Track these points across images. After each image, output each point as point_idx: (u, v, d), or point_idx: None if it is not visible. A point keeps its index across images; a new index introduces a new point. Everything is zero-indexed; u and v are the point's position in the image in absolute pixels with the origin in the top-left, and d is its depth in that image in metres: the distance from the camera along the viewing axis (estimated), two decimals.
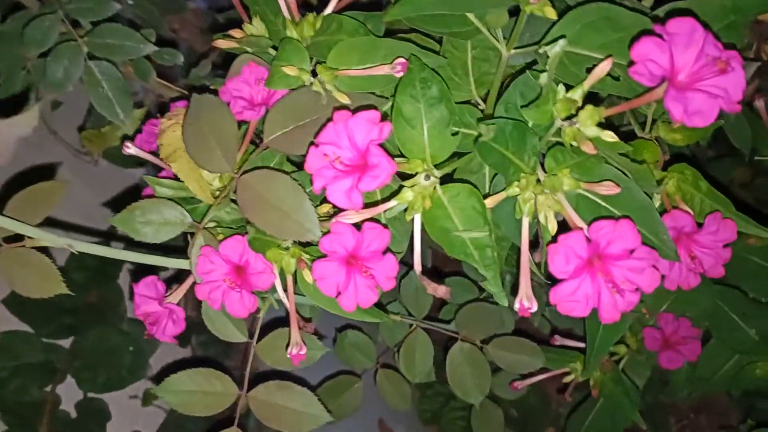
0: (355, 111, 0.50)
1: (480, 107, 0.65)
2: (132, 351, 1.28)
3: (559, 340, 0.97)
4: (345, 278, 0.55)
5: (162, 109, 1.00)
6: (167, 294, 0.64)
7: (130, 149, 0.68)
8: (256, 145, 0.68)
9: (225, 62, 0.68)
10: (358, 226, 0.55)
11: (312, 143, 0.50)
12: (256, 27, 0.65)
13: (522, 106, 0.53)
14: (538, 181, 0.53)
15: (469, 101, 0.65)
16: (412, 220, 0.55)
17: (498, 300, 0.52)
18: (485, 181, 0.64)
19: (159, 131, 0.67)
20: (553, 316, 1.11)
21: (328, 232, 0.56)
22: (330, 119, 0.53)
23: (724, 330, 0.88)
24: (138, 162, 1.13)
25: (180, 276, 0.68)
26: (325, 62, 0.60)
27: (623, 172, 0.53)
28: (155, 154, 0.71)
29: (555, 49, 0.48)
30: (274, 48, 0.64)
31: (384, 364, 1.05)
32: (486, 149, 0.51)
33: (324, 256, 0.58)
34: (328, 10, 0.64)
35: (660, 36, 0.43)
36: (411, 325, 0.95)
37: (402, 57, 0.56)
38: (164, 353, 1.32)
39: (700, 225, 0.54)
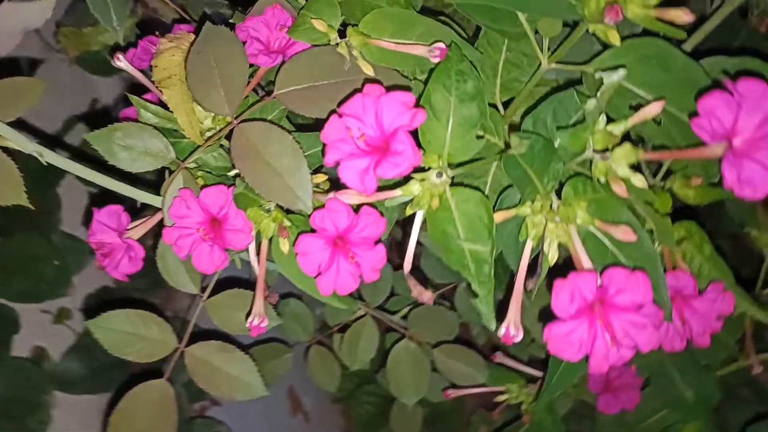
0: (388, 89, 0.46)
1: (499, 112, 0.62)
2: (57, 265, 1.20)
3: (499, 358, 0.95)
4: (328, 259, 0.52)
5: (155, 24, 0.93)
6: (129, 228, 0.59)
7: (121, 62, 0.62)
8: (257, 94, 0.64)
9: None
10: (354, 207, 0.51)
11: (334, 111, 0.46)
12: None
13: (558, 128, 0.50)
14: (551, 207, 0.51)
15: (490, 104, 0.62)
16: (412, 214, 0.51)
17: (486, 321, 0.49)
18: (485, 188, 0.62)
19: (156, 51, 0.61)
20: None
21: (321, 206, 0.52)
22: (357, 89, 0.49)
23: (663, 385, 0.88)
24: (113, 71, 1.06)
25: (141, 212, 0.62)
26: (356, 25, 0.56)
27: (635, 219, 0.51)
28: (145, 73, 0.65)
29: (612, 78, 0.45)
30: None
31: (319, 341, 1.02)
32: (512, 163, 0.48)
33: (310, 230, 0.54)
34: None
35: (730, 93, 0.41)
36: (360, 309, 0.92)
37: (441, 42, 0.53)
38: (91, 277, 1.25)
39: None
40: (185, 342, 0.67)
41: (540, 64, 0.56)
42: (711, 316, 0.52)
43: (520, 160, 0.48)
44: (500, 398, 0.94)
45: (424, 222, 0.51)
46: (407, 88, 0.47)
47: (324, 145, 0.46)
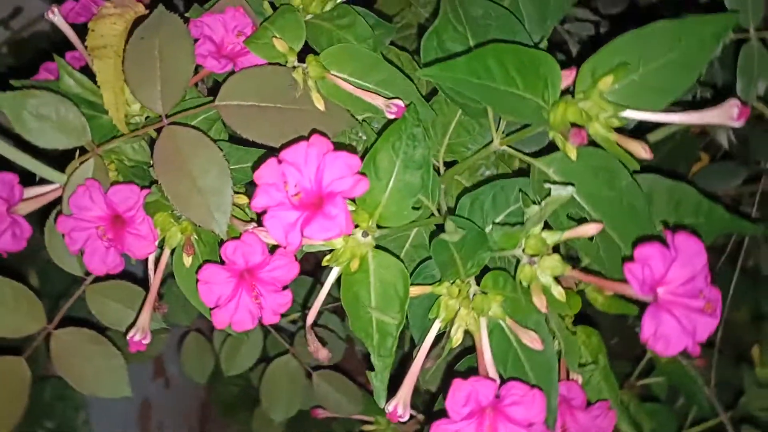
0: (335, 145, 0.43)
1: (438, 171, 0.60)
2: None
3: None
4: (231, 292, 0.49)
5: None
6: (17, 202, 0.53)
7: (55, 17, 0.56)
8: (196, 90, 0.60)
9: None
10: (270, 247, 0.49)
11: (274, 155, 0.43)
12: None
13: (494, 223, 0.49)
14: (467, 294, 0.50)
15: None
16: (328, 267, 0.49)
17: (376, 397, 0.48)
18: (406, 243, 0.60)
19: (98, 14, 0.56)
20: None
21: (236, 237, 0.49)
22: (305, 135, 0.46)
23: None
24: None
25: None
26: (317, 53, 0.53)
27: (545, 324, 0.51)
28: (79, 32, 0.60)
29: (560, 193, 0.44)
30: (272, 5, 0.55)
31: (199, 329, 0.98)
32: (441, 247, 0.47)
33: (217, 255, 0.51)
34: None
35: (666, 245, 0.41)
36: None
37: (399, 99, 0.50)
38: None
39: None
40: (55, 324, 0.62)
41: (491, 141, 0.55)
42: (590, 431, 0.53)
43: (450, 246, 0.46)
44: (367, 428, 0.94)
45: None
46: (354, 150, 0.45)
47: (255, 184, 0.43)
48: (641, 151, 0.44)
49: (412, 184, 0.49)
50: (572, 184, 0.45)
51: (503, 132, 0.54)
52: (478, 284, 0.50)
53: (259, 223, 0.51)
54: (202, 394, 1.71)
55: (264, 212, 0.42)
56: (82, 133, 0.52)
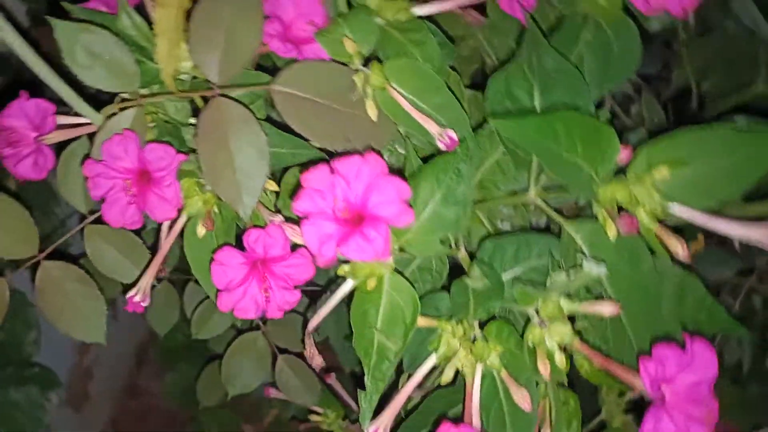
0: (391, 170, 0.43)
1: None
2: None
3: (331, 380, 0.95)
4: (241, 278, 0.48)
5: None
6: (48, 133, 0.52)
7: None
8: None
9: None
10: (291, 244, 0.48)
11: (327, 161, 0.42)
12: None
13: (515, 279, 0.50)
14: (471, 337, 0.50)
15: None
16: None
17: (362, 418, 0.48)
18: (411, 263, 0.60)
19: None
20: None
21: (257, 225, 0.49)
22: (350, 140, 0.46)
23: None
24: None
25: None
26: (381, 61, 0.52)
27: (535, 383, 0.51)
28: None
29: (593, 271, 0.45)
30: (348, 2, 0.54)
31: (171, 280, 0.97)
32: (461, 289, 0.47)
33: (229, 238, 0.51)
34: (425, 10, 0.56)
35: (683, 348, 0.41)
36: None
37: (454, 130, 0.50)
38: None
39: None
40: (45, 254, 0.60)
41: (525, 189, 0.55)
42: None
43: (469, 291, 0.47)
44: (314, 417, 0.94)
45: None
46: (402, 174, 0.45)
47: (300, 186, 0.43)
48: (679, 249, 0.44)
49: (446, 219, 0.48)
50: (604, 263, 0.45)
51: (541, 186, 0.54)
52: (481, 328, 0.51)
53: (287, 218, 0.51)
54: (145, 335, 1.70)
55: (304, 216, 0.42)
56: (133, 80, 0.50)
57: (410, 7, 0.55)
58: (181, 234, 0.53)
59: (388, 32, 0.53)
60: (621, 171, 0.47)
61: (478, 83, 0.74)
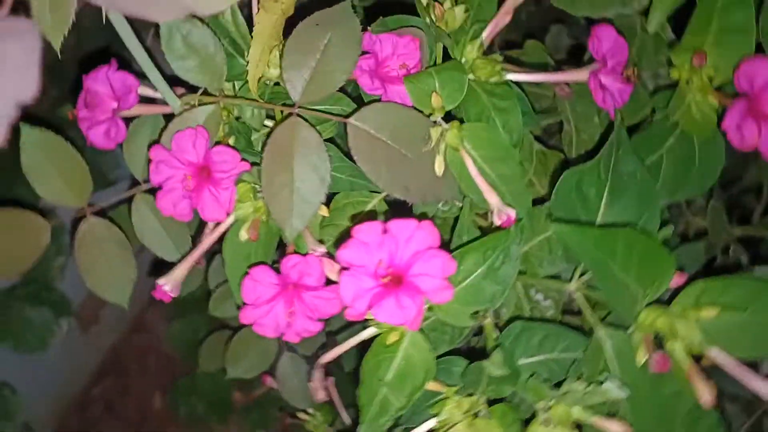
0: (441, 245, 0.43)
1: None
2: None
3: (329, 384, 0.96)
4: (270, 297, 0.49)
5: None
6: (128, 108, 0.53)
7: None
8: None
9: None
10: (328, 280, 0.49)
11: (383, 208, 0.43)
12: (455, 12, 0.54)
13: (534, 367, 0.49)
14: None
15: None
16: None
17: None
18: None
19: None
20: None
21: (298, 252, 0.49)
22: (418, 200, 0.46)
23: None
24: None
25: None
26: (462, 121, 0.52)
27: None
28: None
29: (613, 393, 0.44)
30: (445, 51, 0.54)
31: None
32: (477, 370, 0.47)
33: (268, 249, 0.51)
34: (518, 77, 0.55)
35: None
36: None
37: (513, 210, 0.50)
38: None
39: None
40: (93, 210, 0.62)
41: (569, 279, 0.55)
42: None
43: (484, 372, 0.47)
44: (302, 416, 0.95)
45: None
46: (450, 252, 0.44)
47: (350, 233, 0.43)
48: (706, 394, 0.43)
49: (483, 294, 0.48)
50: (626, 387, 0.45)
51: (584, 282, 0.54)
52: (489, 404, 0.51)
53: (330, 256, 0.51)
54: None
55: (346, 267, 0.42)
56: (219, 79, 0.51)
57: (504, 70, 0.54)
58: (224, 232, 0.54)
59: (475, 92, 0.53)
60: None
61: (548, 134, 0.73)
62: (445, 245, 0.47)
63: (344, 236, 0.44)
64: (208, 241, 0.53)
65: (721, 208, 0.75)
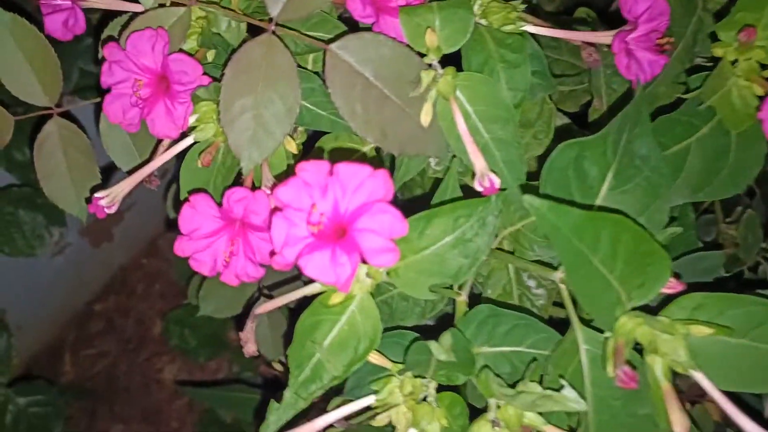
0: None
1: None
2: None
3: None
4: (208, 232, 0.44)
5: None
6: None
7: None
8: None
9: None
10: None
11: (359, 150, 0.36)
12: None
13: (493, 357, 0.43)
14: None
15: None
16: None
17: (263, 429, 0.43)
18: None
19: None
20: None
21: (254, 186, 0.44)
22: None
23: None
24: None
25: None
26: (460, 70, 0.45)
27: None
28: None
29: (569, 402, 0.38)
30: None
31: None
32: (421, 350, 0.41)
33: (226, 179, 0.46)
34: (537, 30, 0.48)
35: None
36: None
37: (497, 177, 0.43)
38: None
39: None
40: (61, 111, 0.57)
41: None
42: None
43: (430, 354, 0.41)
44: (277, 366, 0.91)
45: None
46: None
47: (293, 172, 0.37)
48: (679, 425, 0.37)
49: (446, 267, 0.42)
50: (584, 402, 0.39)
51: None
52: (438, 391, 0.45)
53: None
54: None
55: (281, 207, 0.36)
56: None
57: (521, 20, 0.47)
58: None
59: (482, 38, 0.46)
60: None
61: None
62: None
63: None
64: (158, 160, 0.48)
65: (757, 217, 0.67)
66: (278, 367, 0.90)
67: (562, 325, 0.47)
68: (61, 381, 1.50)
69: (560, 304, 0.61)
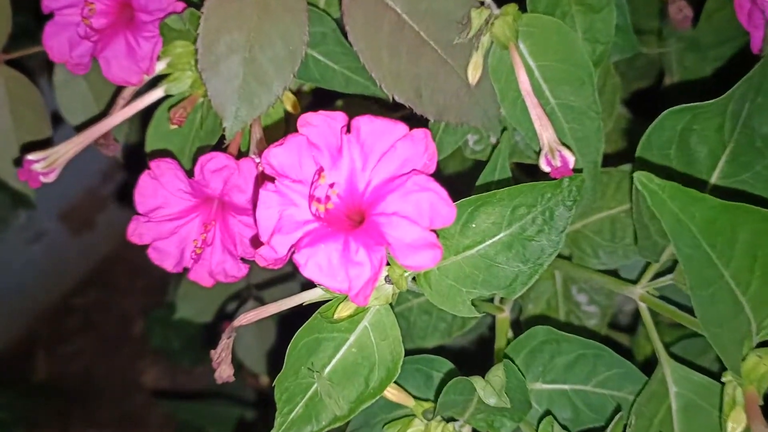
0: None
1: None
2: None
3: None
4: (174, 214, 0.32)
5: None
6: None
7: None
8: None
9: None
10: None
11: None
12: None
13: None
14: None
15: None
16: None
17: None
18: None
19: None
20: None
21: (241, 153, 0.32)
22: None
23: None
24: None
25: None
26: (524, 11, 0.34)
27: None
28: None
29: None
30: None
31: None
32: (462, 387, 0.30)
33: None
34: None
35: None
36: None
37: (572, 154, 0.32)
38: None
39: None
40: (8, 58, 0.46)
41: (635, 280, 0.37)
42: None
43: (476, 392, 0.29)
44: (262, 380, 0.79)
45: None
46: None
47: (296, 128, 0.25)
48: None
49: (499, 273, 0.31)
50: None
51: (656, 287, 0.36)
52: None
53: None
54: None
55: (273, 176, 0.25)
56: None
57: None
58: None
59: None
60: None
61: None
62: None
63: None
64: (116, 116, 0.36)
65: None
66: (266, 380, 0.78)
67: (626, 357, 0.36)
68: (32, 380, 1.38)
69: (616, 327, 0.50)
